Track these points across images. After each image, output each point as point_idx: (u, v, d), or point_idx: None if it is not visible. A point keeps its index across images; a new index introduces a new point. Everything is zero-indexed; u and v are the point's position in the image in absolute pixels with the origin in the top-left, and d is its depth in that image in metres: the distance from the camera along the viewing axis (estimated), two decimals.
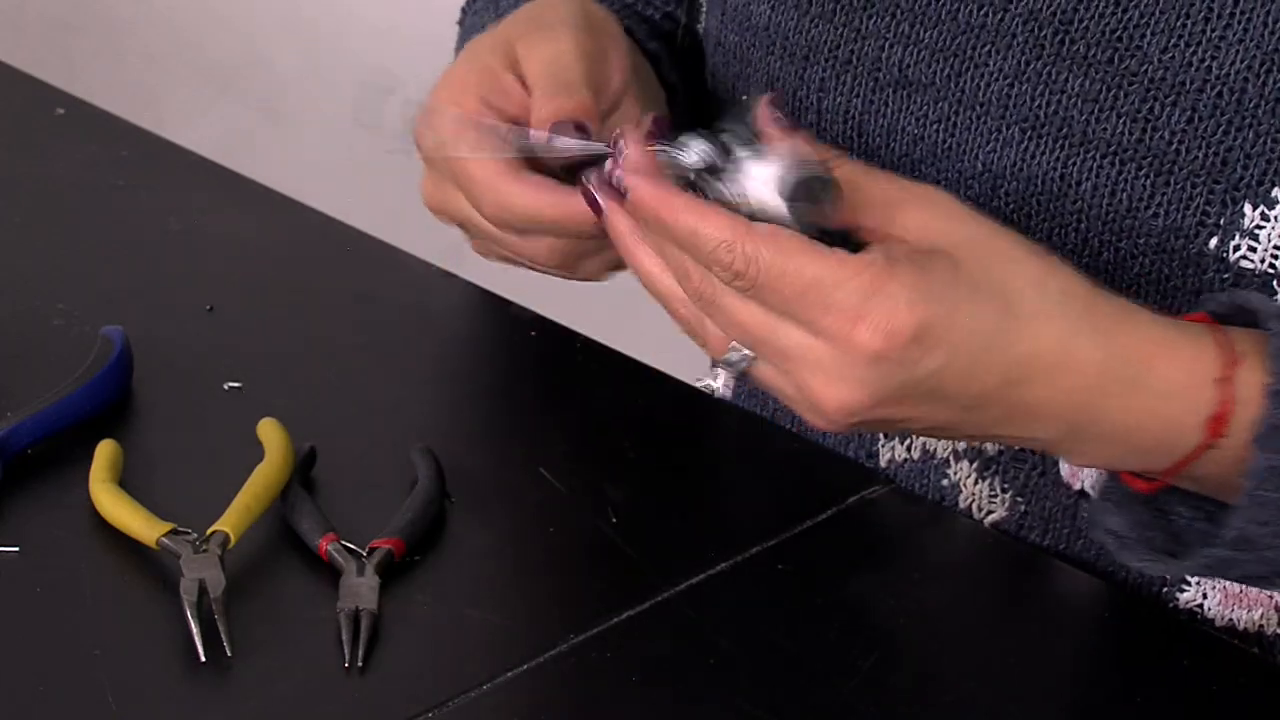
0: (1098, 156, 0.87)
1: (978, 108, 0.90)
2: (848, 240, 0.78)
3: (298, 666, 0.81)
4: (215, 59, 2.39)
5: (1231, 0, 0.84)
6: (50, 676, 0.80)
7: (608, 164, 0.80)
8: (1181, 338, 0.80)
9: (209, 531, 0.85)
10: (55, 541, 0.88)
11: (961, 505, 0.97)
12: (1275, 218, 0.84)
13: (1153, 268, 0.87)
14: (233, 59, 2.37)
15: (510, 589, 0.89)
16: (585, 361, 1.04)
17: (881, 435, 0.99)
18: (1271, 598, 0.92)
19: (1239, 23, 0.84)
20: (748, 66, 0.97)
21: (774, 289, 0.76)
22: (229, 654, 0.81)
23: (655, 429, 0.99)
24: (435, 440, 0.94)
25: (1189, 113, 0.85)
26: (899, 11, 0.92)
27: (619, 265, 0.90)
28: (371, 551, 0.86)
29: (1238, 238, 0.85)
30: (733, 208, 0.77)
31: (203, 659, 0.81)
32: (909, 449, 0.99)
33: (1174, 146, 0.85)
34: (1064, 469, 0.95)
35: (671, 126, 0.80)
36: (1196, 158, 0.85)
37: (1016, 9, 0.89)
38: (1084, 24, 0.87)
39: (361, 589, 0.84)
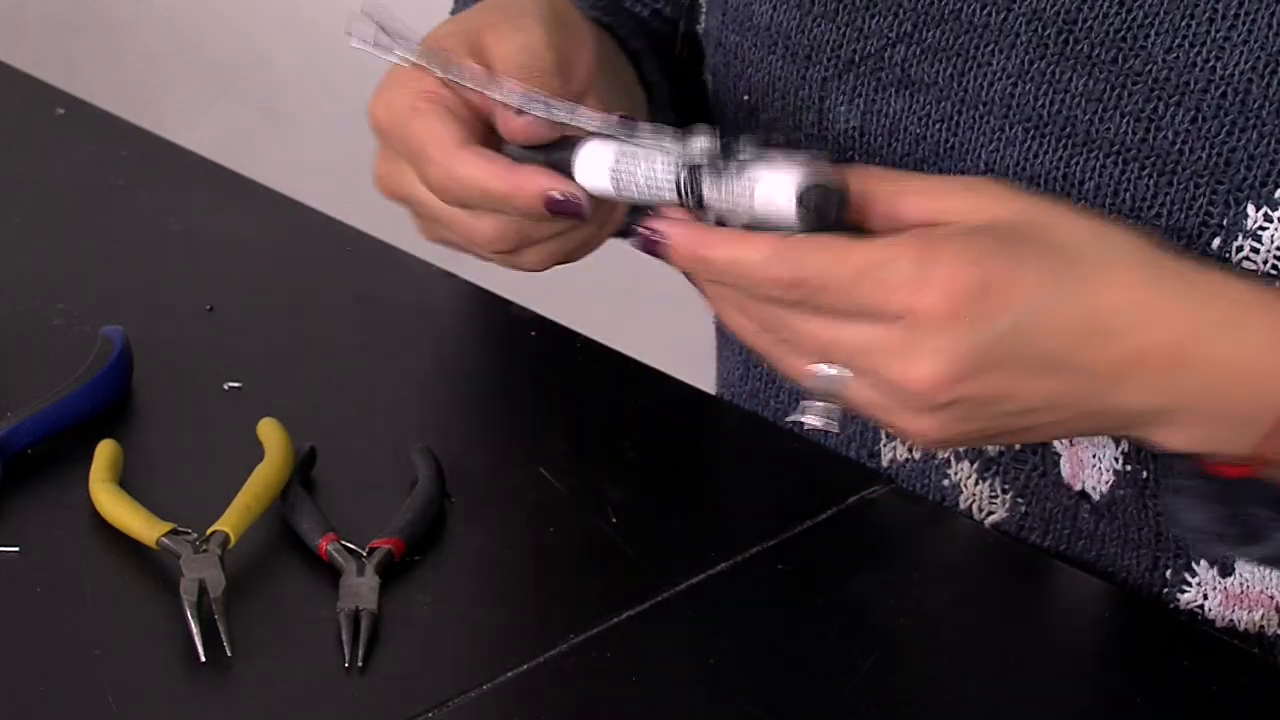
0: (1101, 156, 0.87)
1: (980, 107, 0.90)
2: None
3: (298, 666, 0.81)
4: (215, 59, 2.39)
5: (1236, 1, 0.84)
6: (50, 676, 0.80)
7: (642, 234, 0.79)
8: (1273, 291, 0.79)
9: (209, 531, 0.85)
10: (55, 541, 0.88)
11: (962, 506, 0.97)
12: (1278, 219, 0.84)
13: None
14: (233, 59, 2.38)
15: (510, 589, 0.89)
16: (585, 361, 1.04)
17: (883, 434, 0.99)
18: (1272, 598, 0.92)
19: (1243, 23, 0.84)
20: (748, 66, 0.97)
21: (828, 286, 0.75)
22: (229, 654, 0.81)
23: (655, 429, 0.99)
24: (435, 440, 0.94)
25: (1193, 113, 0.85)
26: (902, 11, 0.92)
27: (561, 258, 0.90)
28: (371, 551, 0.86)
29: (1240, 239, 0.84)
30: (724, 215, 0.77)
31: (203, 659, 0.81)
32: (910, 448, 0.99)
33: (1177, 147, 0.85)
34: (1064, 469, 0.95)
35: (636, 123, 0.80)
36: (1200, 158, 0.85)
37: (1020, 8, 0.89)
38: (1088, 24, 0.87)
39: (361, 589, 0.84)
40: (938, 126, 0.91)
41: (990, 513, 0.97)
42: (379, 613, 0.83)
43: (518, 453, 0.96)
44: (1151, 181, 0.86)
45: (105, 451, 0.91)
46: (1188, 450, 0.82)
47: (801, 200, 0.75)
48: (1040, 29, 0.88)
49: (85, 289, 1.07)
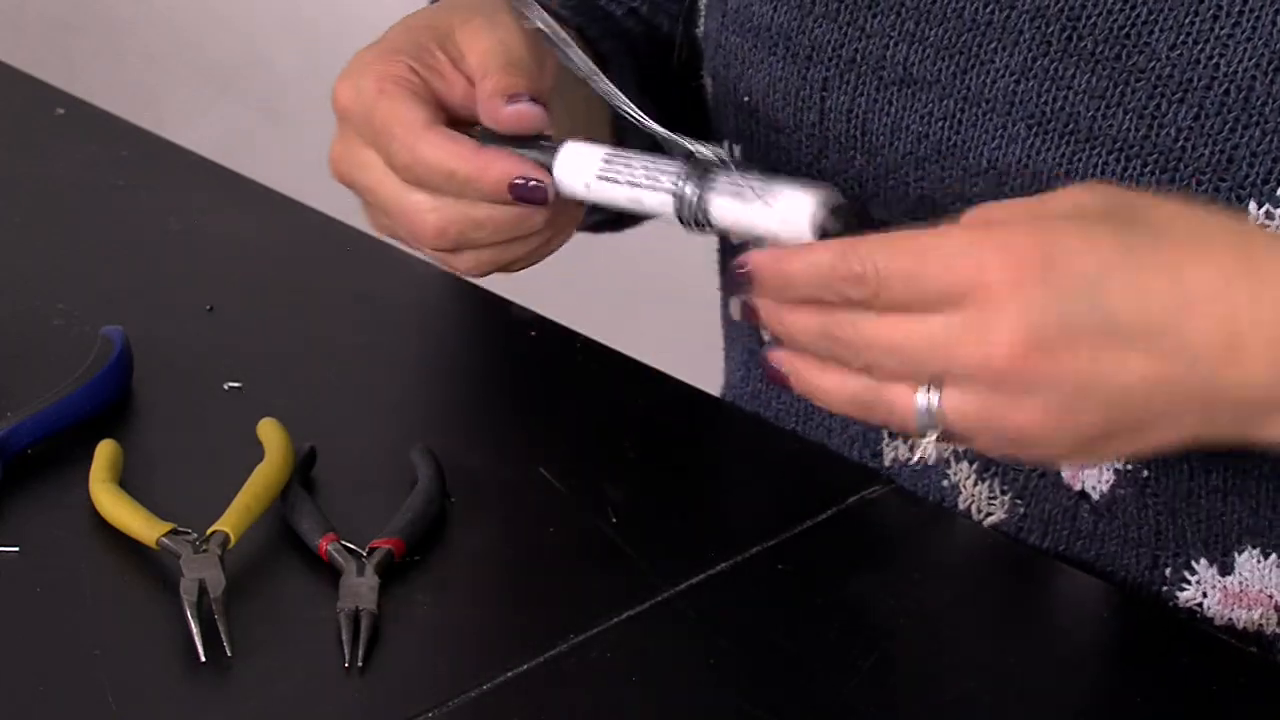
0: (1104, 153, 0.87)
1: (983, 105, 0.90)
2: None
3: (298, 666, 0.81)
4: (215, 59, 2.39)
5: None
6: (50, 676, 0.80)
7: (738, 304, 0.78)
8: None
9: (209, 531, 0.85)
10: (55, 541, 0.88)
11: (961, 507, 0.97)
12: None
13: None
14: (233, 59, 2.38)
15: (510, 589, 0.89)
16: (585, 361, 1.04)
17: (885, 434, 0.99)
18: (1271, 597, 0.92)
19: (1247, 20, 0.84)
20: (749, 68, 0.97)
21: (895, 274, 0.73)
22: (229, 654, 0.81)
23: (655, 429, 0.99)
24: (435, 440, 0.94)
25: (1195, 110, 0.85)
26: (903, 9, 0.92)
27: (497, 267, 0.90)
28: (371, 551, 0.86)
29: None
30: (724, 229, 0.77)
31: (203, 659, 0.81)
32: (911, 448, 0.99)
33: (1180, 144, 0.85)
34: (1064, 470, 0.94)
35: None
36: (1202, 155, 0.85)
37: (1023, 6, 0.89)
38: (1091, 20, 0.87)
39: (361, 589, 0.84)
40: (940, 125, 0.91)
41: (989, 514, 0.96)
42: (379, 613, 0.83)
43: (518, 453, 0.96)
44: (1154, 179, 0.86)
45: (105, 451, 0.91)
46: None
47: (819, 220, 0.77)
48: (1043, 26, 0.88)
49: (85, 289, 1.07)
